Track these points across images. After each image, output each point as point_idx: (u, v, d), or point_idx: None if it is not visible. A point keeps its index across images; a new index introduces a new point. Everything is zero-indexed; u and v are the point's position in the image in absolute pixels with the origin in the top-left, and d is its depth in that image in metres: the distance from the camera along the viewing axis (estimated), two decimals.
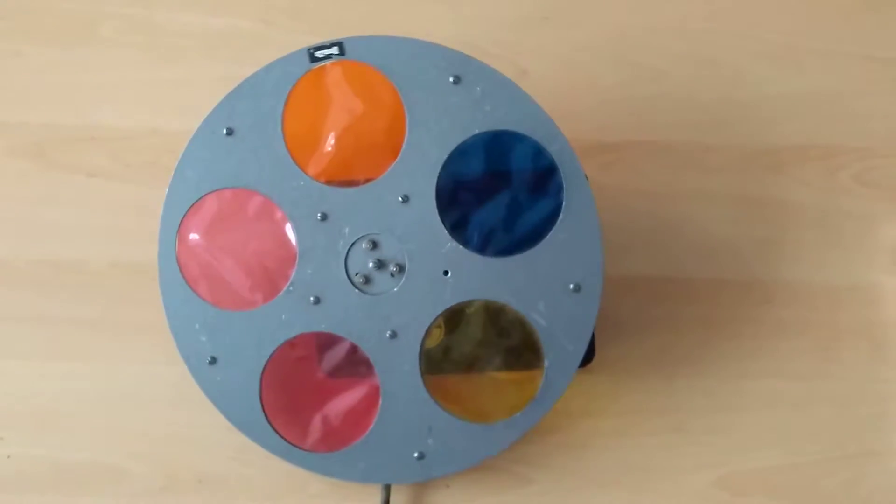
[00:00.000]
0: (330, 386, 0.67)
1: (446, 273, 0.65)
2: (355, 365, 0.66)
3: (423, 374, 0.66)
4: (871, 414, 0.74)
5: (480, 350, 0.67)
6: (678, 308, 0.75)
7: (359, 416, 0.67)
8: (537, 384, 0.66)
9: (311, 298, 0.66)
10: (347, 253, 0.66)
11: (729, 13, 0.81)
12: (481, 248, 0.66)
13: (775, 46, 0.80)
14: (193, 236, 0.66)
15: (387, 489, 0.70)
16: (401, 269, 0.66)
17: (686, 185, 0.77)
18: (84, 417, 0.73)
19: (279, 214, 0.66)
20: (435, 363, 0.66)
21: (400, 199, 0.65)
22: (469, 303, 0.66)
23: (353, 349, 0.66)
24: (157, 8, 0.80)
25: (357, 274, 0.66)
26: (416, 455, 0.66)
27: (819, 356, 0.74)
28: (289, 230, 0.66)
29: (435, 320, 0.66)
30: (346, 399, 0.67)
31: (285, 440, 0.67)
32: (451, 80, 0.65)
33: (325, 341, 0.67)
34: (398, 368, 0.66)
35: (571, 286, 0.65)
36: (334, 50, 0.65)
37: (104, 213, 0.76)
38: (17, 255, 0.75)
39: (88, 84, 0.78)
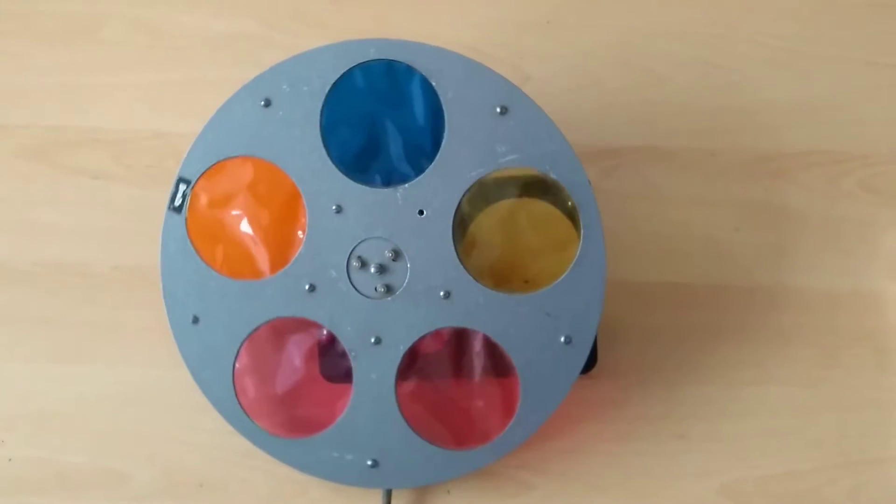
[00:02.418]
0: (471, 385, 0.68)
1: (422, 213, 0.65)
2: (456, 337, 0.67)
3: (489, 288, 0.66)
4: (874, 421, 0.73)
5: (510, 229, 0.67)
6: (681, 314, 0.75)
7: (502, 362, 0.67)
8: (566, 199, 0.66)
9: (372, 340, 0.66)
10: (354, 288, 0.66)
11: (733, 19, 0.80)
12: (419, 171, 0.65)
13: (779, 52, 0.80)
14: (249, 400, 0.68)
15: (388, 494, 0.69)
16: (396, 254, 0.66)
17: (689, 190, 0.77)
18: (85, 420, 0.72)
19: (282, 323, 0.67)
20: (487, 272, 0.66)
21: (334, 210, 0.65)
22: (462, 209, 0.65)
23: (438, 335, 0.66)
24: (161, 10, 0.80)
25: (377, 290, 0.66)
26: (562, 341, 0.66)
27: (822, 363, 0.74)
28: (303, 322, 0.67)
29: (458, 247, 0.65)
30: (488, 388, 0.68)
31: (474, 446, 0.67)
32: (262, 104, 0.65)
33: (425, 350, 0.67)
34: (475, 306, 0.66)
35: (498, 110, 0.65)
36: (182, 187, 0.66)
37: (107, 215, 0.76)
38: (20, 257, 0.75)
39: (91, 86, 0.78)
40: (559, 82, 0.79)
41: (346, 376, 0.67)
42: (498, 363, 0.67)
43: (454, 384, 0.68)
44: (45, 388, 0.73)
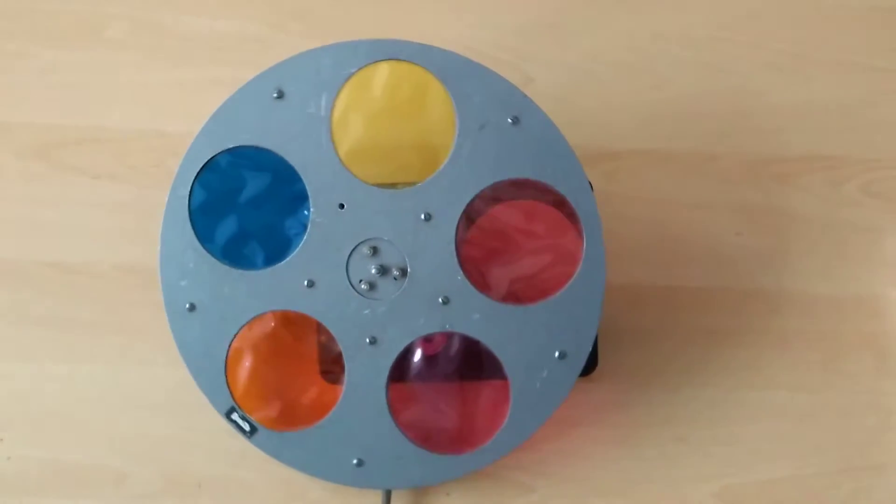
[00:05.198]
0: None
1: (342, 206, 0.65)
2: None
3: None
4: (875, 426, 0.73)
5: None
6: (682, 318, 0.75)
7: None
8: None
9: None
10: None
11: (736, 22, 0.80)
12: (305, 207, 0.65)
13: (782, 56, 0.80)
14: None
15: (387, 495, 0.69)
16: (374, 250, 0.65)
17: (690, 194, 0.77)
18: (84, 419, 0.72)
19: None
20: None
21: (305, 284, 0.66)
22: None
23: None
24: (164, 10, 0.80)
25: (396, 276, 0.66)
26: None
27: (823, 368, 0.74)
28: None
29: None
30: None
31: None
32: (188, 308, 0.66)
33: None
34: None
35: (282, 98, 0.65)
36: (236, 417, 0.67)
37: (108, 214, 0.76)
38: (20, 256, 0.75)
39: (94, 86, 0.78)
40: (561, 85, 0.79)
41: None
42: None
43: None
44: (45, 387, 0.73)
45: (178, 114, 0.77)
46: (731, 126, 0.78)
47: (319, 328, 0.67)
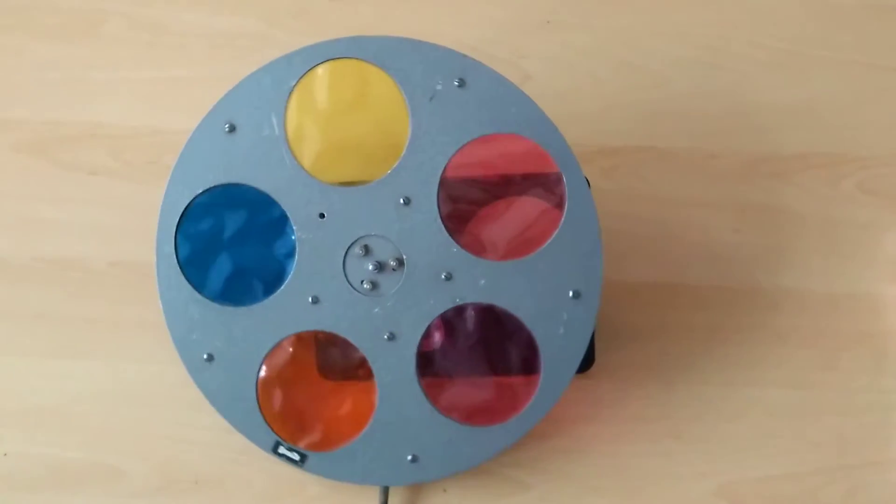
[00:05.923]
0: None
1: (322, 216, 0.65)
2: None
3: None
4: (872, 424, 0.73)
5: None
6: (679, 315, 0.75)
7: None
8: None
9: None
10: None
11: (734, 20, 0.81)
12: (289, 229, 0.65)
13: (779, 54, 0.80)
14: None
15: (385, 492, 0.69)
16: (366, 248, 0.65)
17: (688, 191, 0.77)
18: (82, 416, 0.72)
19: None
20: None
21: (310, 301, 0.66)
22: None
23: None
24: (161, 6, 0.80)
25: (394, 267, 0.66)
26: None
27: (820, 365, 0.74)
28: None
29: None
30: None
31: None
32: (206, 359, 0.66)
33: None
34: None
35: (227, 128, 0.65)
36: (283, 451, 0.67)
37: (105, 211, 0.76)
38: (17, 253, 0.75)
39: (91, 81, 0.78)
40: (559, 82, 0.79)
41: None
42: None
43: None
44: (42, 384, 0.73)
45: (175, 110, 0.77)
46: (729, 124, 0.79)
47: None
